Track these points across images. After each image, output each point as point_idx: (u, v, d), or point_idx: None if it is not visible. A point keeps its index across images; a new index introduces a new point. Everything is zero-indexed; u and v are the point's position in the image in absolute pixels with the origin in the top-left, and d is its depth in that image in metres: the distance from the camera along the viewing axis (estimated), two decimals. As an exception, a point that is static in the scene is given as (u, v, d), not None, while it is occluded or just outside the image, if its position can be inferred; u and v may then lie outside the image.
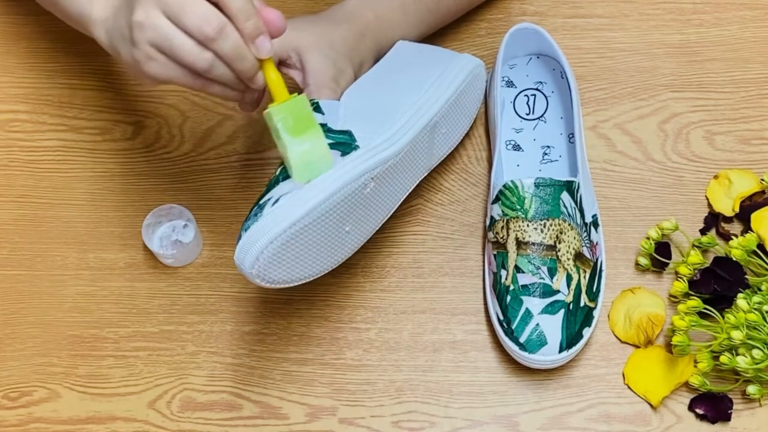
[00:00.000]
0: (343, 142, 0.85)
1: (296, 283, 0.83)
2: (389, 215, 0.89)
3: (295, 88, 0.92)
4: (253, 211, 0.82)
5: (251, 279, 0.80)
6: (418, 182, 0.92)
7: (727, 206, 0.97)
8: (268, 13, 0.79)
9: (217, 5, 0.77)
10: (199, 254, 0.98)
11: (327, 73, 0.91)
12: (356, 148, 0.84)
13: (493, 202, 0.93)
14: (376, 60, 0.97)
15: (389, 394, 0.92)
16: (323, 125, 0.86)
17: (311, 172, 0.81)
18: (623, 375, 0.92)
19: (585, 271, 0.91)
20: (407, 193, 0.91)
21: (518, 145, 1.00)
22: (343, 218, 0.83)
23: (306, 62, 0.92)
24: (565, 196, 0.92)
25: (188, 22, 0.76)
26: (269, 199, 0.82)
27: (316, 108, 0.88)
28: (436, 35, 1.04)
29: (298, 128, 0.81)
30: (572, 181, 0.92)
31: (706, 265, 0.92)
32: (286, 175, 0.83)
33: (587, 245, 0.92)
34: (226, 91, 0.81)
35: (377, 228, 0.88)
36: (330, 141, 0.84)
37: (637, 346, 0.93)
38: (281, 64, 0.93)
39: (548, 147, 0.99)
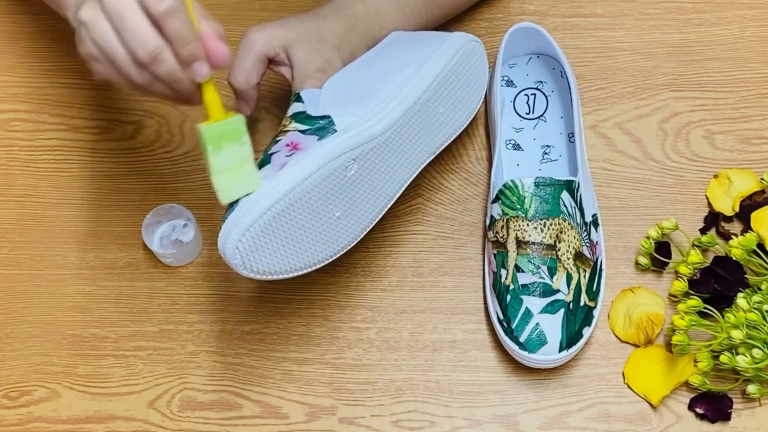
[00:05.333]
0: (321, 127, 0.85)
1: (293, 274, 0.83)
2: (392, 200, 0.88)
3: (278, 91, 0.93)
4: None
5: (239, 270, 0.80)
6: (422, 166, 0.90)
7: (727, 206, 0.97)
8: (212, 44, 0.78)
9: (158, 24, 0.76)
10: (199, 254, 0.98)
11: (312, 63, 0.91)
12: (334, 132, 0.84)
13: (493, 202, 0.93)
14: None
15: (389, 394, 0.92)
16: (302, 113, 0.86)
17: (234, 192, 0.80)
18: (623, 374, 0.92)
19: (585, 271, 0.91)
20: (411, 177, 0.89)
21: (518, 145, 1.00)
22: (329, 202, 0.83)
23: (292, 56, 0.92)
24: (565, 195, 0.92)
25: (126, 40, 0.76)
26: None
27: (297, 98, 0.88)
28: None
29: (225, 148, 0.80)
30: (572, 181, 0.92)
31: (706, 265, 0.92)
32: (261, 166, 0.83)
33: (587, 245, 0.92)
34: (170, 98, 0.81)
35: (378, 214, 0.88)
36: (307, 127, 0.85)
37: (637, 346, 0.93)
38: (271, 62, 0.94)
39: (548, 146, 0.99)
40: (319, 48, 0.92)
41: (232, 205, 0.81)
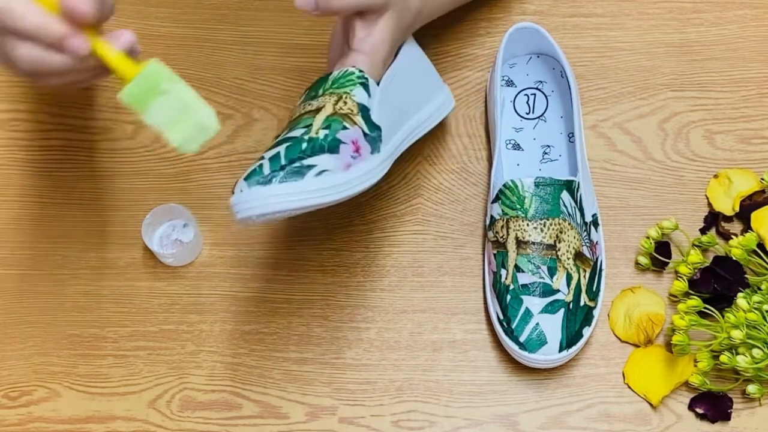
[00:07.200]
0: (375, 139, 0.84)
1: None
2: None
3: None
4: (288, 156, 0.80)
5: (239, 214, 0.79)
6: None
7: (727, 205, 0.97)
8: (69, 4, 0.70)
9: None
10: (199, 254, 0.98)
11: (390, 48, 0.86)
12: (378, 151, 0.84)
13: (493, 202, 0.93)
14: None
15: (389, 394, 0.92)
16: (367, 110, 0.84)
17: (193, 140, 0.75)
18: (623, 374, 0.92)
19: (585, 271, 0.91)
20: None
21: (518, 145, 1.00)
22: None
23: (381, 26, 0.86)
24: (565, 195, 0.92)
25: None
26: (314, 166, 0.80)
27: (365, 84, 0.85)
28: (436, 36, 1.04)
29: (151, 104, 0.74)
30: (572, 181, 0.92)
31: (706, 265, 0.92)
32: (329, 148, 0.81)
33: (587, 244, 0.92)
34: (82, 82, 0.76)
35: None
36: (368, 132, 0.83)
37: (637, 346, 0.93)
38: (358, 15, 0.86)
39: (548, 146, 0.99)
40: (400, 35, 0.87)
41: (299, 172, 0.79)
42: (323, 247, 0.98)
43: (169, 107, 0.74)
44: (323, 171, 0.80)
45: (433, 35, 1.04)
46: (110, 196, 1.01)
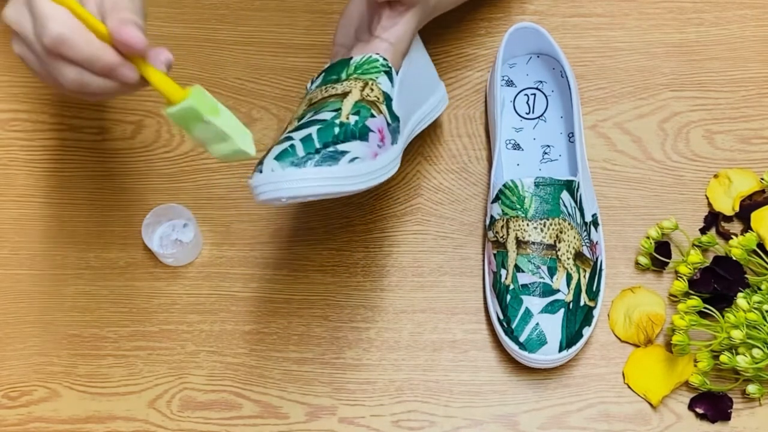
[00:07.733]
0: (395, 129, 0.84)
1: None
2: None
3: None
4: (322, 139, 0.79)
5: (266, 195, 0.79)
6: None
7: (727, 205, 0.97)
8: (121, 36, 0.72)
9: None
10: (199, 253, 0.98)
11: (411, 38, 0.86)
12: (396, 143, 0.84)
13: (493, 202, 0.93)
14: None
15: (389, 394, 0.92)
16: (391, 100, 0.85)
17: (231, 157, 0.78)
18: (623, 374, 0.92)
19: (585, 271, 0.91)
20: None
21: (518, 144, 1.00)
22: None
23: (401, 16, 0.86)
24: (565, 195, 0.92)
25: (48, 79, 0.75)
26: (347, 152, 0.80)
27: (389, 73, 0.86)
28: (436, 35, 1.04)
29: (192, 126, 0.76)
30: (572, 181, 0.92)
31: (706, 265, 0.92)
32: (359, 135, 0.81)
33: (587, 244, 0.92)
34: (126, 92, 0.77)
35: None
36: (391, 122, 0.84)
37: (637, 346, 0.93)
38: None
39: (548, 146, 0.99)
40: (414, 36, 0.88)
41: (333, 157, 0.79)
42: (323, 247, 0.98)
43: (210, 133, 0.77)
44: (355, 158, 0.80)
45: (433, 35, 1.04)
46: (110, 196, 1.01)
